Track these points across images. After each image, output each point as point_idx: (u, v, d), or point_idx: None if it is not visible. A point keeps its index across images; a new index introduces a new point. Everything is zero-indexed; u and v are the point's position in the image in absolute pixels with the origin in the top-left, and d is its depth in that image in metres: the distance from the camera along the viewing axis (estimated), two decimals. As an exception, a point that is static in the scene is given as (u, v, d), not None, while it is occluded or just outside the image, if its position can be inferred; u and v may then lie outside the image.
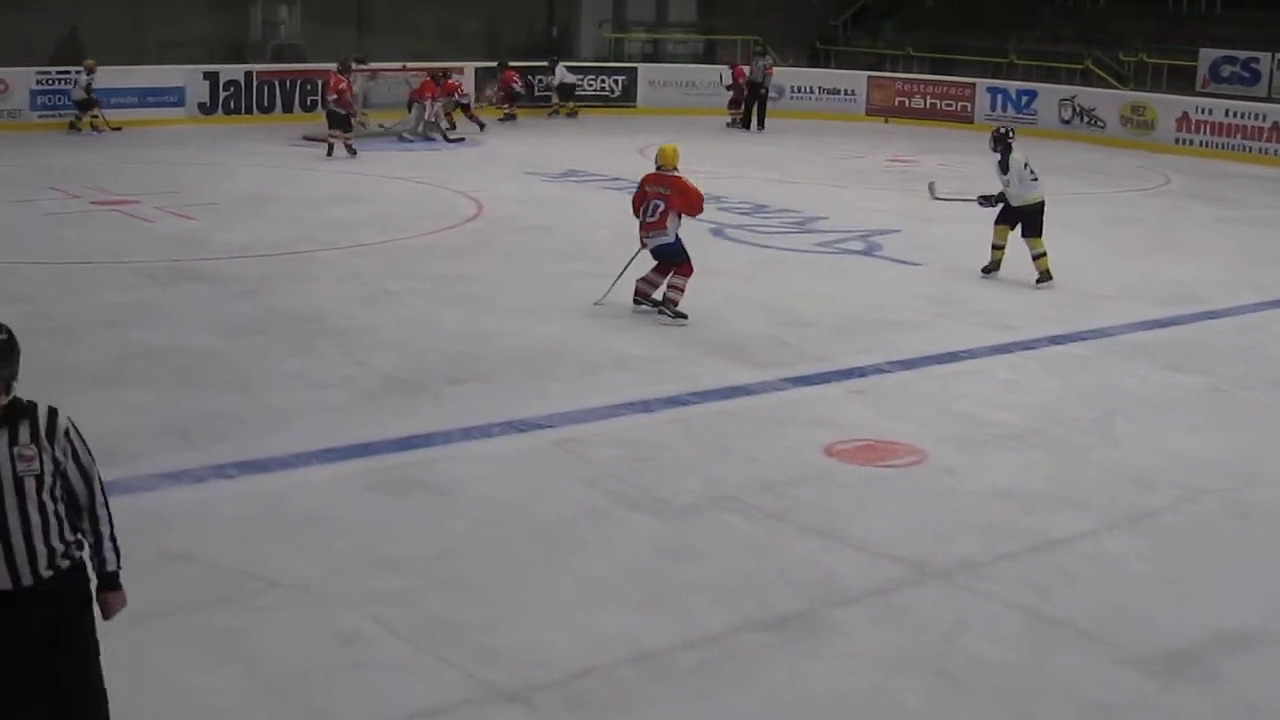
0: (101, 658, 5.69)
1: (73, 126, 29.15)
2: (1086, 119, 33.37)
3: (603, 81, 37.46)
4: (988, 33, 37.91)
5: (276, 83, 32.98)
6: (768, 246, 19.34)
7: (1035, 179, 17.10)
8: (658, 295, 14.86)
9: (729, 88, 35.06)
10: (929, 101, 36.13)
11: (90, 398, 11.48)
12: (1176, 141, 31.66)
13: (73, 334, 13.67)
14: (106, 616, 5.72)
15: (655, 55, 40.76)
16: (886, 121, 36.00)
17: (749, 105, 34.21)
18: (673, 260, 14.82)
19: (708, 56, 40.76)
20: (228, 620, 7.76)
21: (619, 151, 28.91)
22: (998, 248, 17.20)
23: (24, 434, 5.39)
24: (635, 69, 38.09)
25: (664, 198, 14.74)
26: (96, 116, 29.20)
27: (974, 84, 35.66)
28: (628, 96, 37.23)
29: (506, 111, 34.08)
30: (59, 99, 29.70)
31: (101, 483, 5.66)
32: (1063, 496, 10.12)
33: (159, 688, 6.91)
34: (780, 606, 8.19)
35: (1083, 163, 29.11)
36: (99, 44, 31.64)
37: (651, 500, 9.77)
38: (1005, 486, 10.28)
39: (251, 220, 20.13)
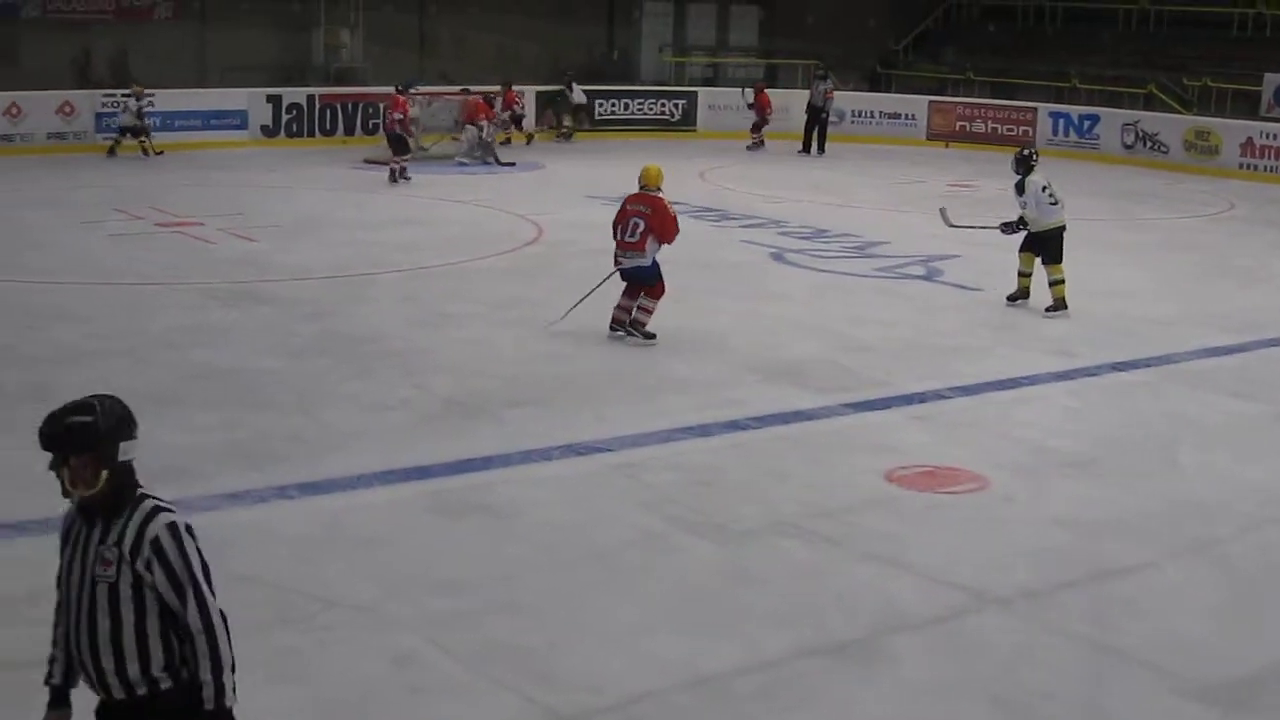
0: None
1: (111, 152, 28.78)
2: (1150, 144, 33.16)
3: (662, 105, 37.51)
4: (1050, 57, 37.72)
5: (338, 106, 33.17)
6: (828, 271, 19.31)
7: (1055, 203, 16.71)
8: (643, 318, 14.72)
9: (750, 106, 34.96)
10: (990, 126, 35.99)
11: (153, 418, 11.47)
12: (1241, 166, 31.38)
13: (136, 355, 13.76)
14: None
15: (715, 79, 40.75)
16: (947, 146, 35.91)
17: (809, 129, 34.15)
18: (644, 282, 14.69)
19: (768, 81, 40.75)
20: (287, 640, 7.79)
21: (679, 175, 28.71)
22: (1024, 275, 16.93)
23: (114, 534, 4.84)
24: (695, 93, 38.09)
25: (644, 216, 14.60)
26: (144, 140, 29.01)
27: (1036, 108, 35.48)
28: (687, 120, 37.21)
29: (562, 131, 34.30)
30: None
31: (205, 606, 4.86)
32: (1124, 525, 10.05)
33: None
34: (838, 632, 8.16)
35: (1145, 188, 28.97)
36: (162, 68, 31.88)
37: (710, 525, 9.75)
38: (1066, 515, 10.21)
39: (313, 243, 20.24)
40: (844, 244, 21.42)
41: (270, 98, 32.54)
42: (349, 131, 32.94)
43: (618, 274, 14.90)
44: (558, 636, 7.98)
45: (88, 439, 4.82)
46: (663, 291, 14.72)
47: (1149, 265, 20.28)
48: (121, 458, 4.86)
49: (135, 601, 4.81)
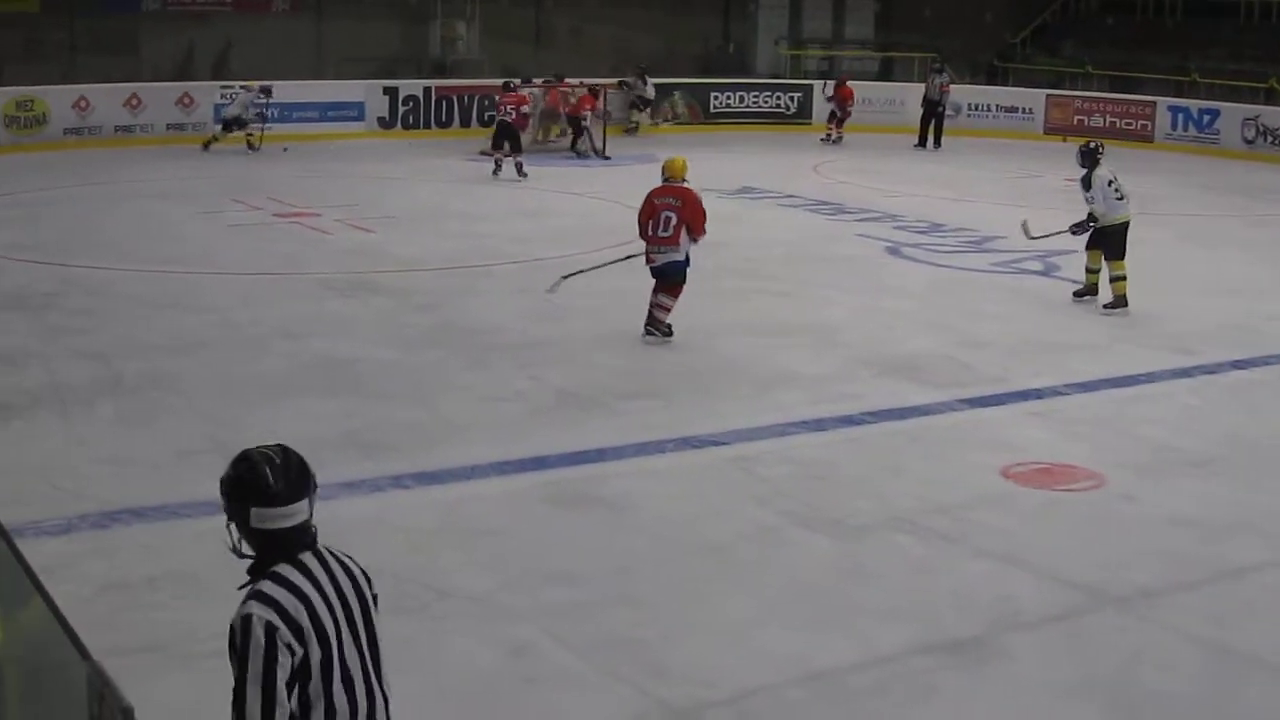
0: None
1: (206, 147, 28.72)
2: (1271, 139, 32.64)
3: (777, 98, 37.42)
4: (1169, 50, 37.23)
5: (455, 98, 33.37)
6: (945, 266, 19.19)
7: (1121, 198, 16.39)
8: (660, 314, 14.34)
9: (829, 99, 34.78)
10: (1108, 120, 35.53)
11: (272, 407, 11.73)
12: (1365, 162, 30.93)
13: (256, 344, 13.92)
14: None
15: (831, 72, 40.62)
16: (1065, 140, 35.48)
17: (925, 123, 33.94)
18: (675, 278, 14.31)
19: (884, 74, 40.53)
20: (402, 630, 7.80)
21: (794, 168, 28.88)
22: (1092, 271, 16.65)
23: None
24: (810, 86, 37.89)
25: (675, 209, 14.17)
26: (252, 134, 28.80)
27: (1155, 102, 35.02)
28: (803, 113, 37.04)
29: (628, 126, 34.28)
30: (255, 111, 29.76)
31: (239, 704, 4.22)
32: (1245, 525, 9.90)
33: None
34: (953, 630, 8.11)
35: (1266, 184, 28.53)
36: (280, 59, 32.20)
37: (824, 520, 9.72)
38: (1185, 514, 10.08)
39: (428, 234, 20.40)
40: (960, 238, 21.27)
41: (387, 90, 32.80)
42: (464, 124, 33.11)
43: (647, 269, 14.52)
44: (671, 629, 7.99)
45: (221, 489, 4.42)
46: (681, 290, 14.33)
47: (1270, 262, 19.97)
48: (254, 523, 4.36)
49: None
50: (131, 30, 33.19)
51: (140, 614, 7.93)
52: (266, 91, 28.99)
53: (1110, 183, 16.39)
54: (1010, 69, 40.84)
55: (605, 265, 15.35)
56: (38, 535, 8.72)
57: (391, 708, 4.70)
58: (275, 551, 4.37)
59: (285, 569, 4.35)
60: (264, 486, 4.34)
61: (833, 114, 34.58)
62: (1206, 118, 34.00)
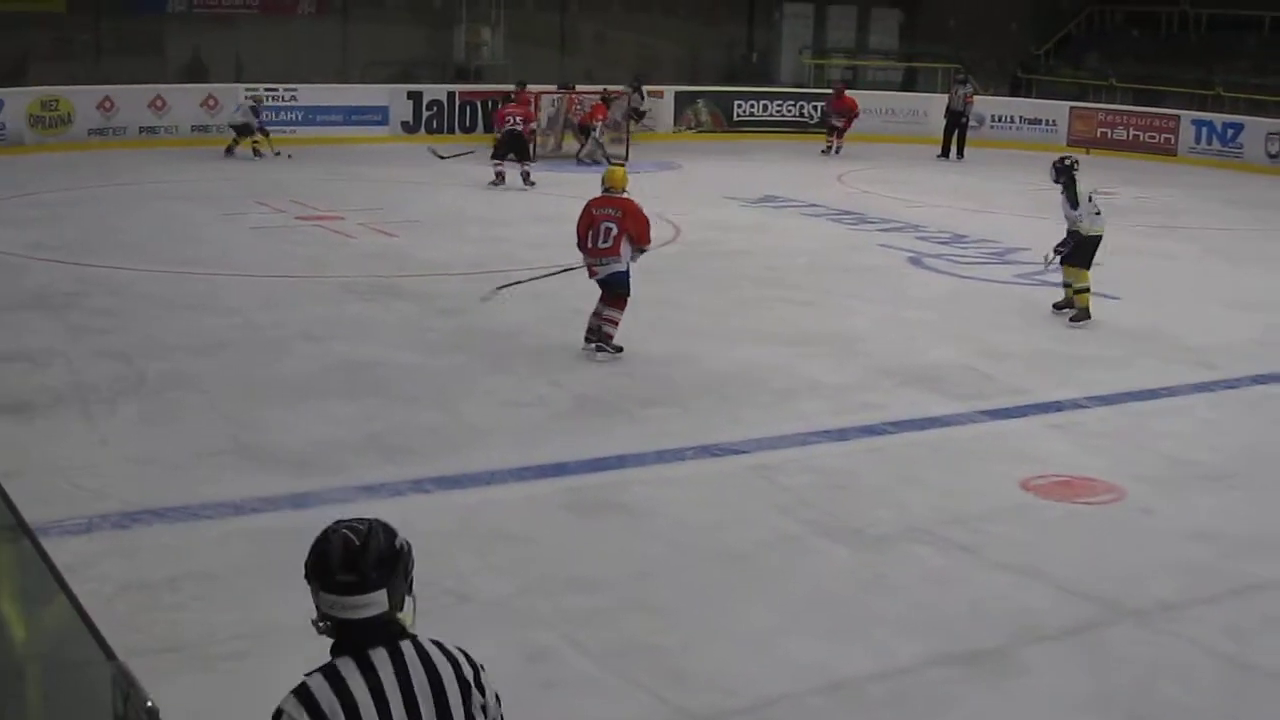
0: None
1: (229, 151, 28.68)
2: (1295, 153, 32.66)
3: (800, 107, 37.40)
4: (1193, 64, 37.15)
5: (479, 103, 33.44)
6: (966, 277, 19.16)
7: (1098, 212, 16.29)
8: (610, 330, 14.17)
9: (824, 109, 34.74)
10: (1132, 133, 35.51)
11: (293, 409, 11.76)
12: (1388, 178, 30.86)
13: (278, 346, 13.96)
14: None
15: (854, 82, 40.58)
16: (1088, 153, 35.34)
17: (948, 134, 33.94)
18: (618, 289, 14.16)
19: (907, 84, 40.50)
20: (421, 634, 7.83)
21: (817, 178, 28.89)
22: (1069, 286, 16.51)
23: None
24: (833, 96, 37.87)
25: (615, 220, 14.02)
26: (258, 140, 28.73)
27: (1178, 116, 34.96)
28: (825, 123, 37.00)
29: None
30: (266, 115, 29.76)
31: None
32: (1264, 540, 9.89)
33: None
34: (971, 641, 8.11)
35: (1290, 199, 28.50)
36: (305, 63, 32.30)
37: (845, 529, 9.73)
38: (1205, 528, 10.06)
39: (451, 238, 20.45)
40: (983, 249, 21.25)
41: (411, 94, 32.89)
42: (488, 129, 33.07)
43: (558, 274, 14.56)
44: (691, 637, 7.99)
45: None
46: (626, 302, 14.18)
47: (1293, 277, 19.95)
48: (321, 607, 4.00)
49: None
50: (157, 31, 33.32)
51: (160, 614, 7.94)
52: (257, 100, 29.11)
53: (1091, 197, 16.34)
54: (1034, 81, 40.79)
55: (544, 276, 15.31)
56: (59, 534, 8.75)
57: None
58: (344, 640, 3.99)
59: (345, 664, 3.95)
60: (324, 572, 3.97)
61: (831, 124, 34.48)
62: (1230, 131, 33.94)
